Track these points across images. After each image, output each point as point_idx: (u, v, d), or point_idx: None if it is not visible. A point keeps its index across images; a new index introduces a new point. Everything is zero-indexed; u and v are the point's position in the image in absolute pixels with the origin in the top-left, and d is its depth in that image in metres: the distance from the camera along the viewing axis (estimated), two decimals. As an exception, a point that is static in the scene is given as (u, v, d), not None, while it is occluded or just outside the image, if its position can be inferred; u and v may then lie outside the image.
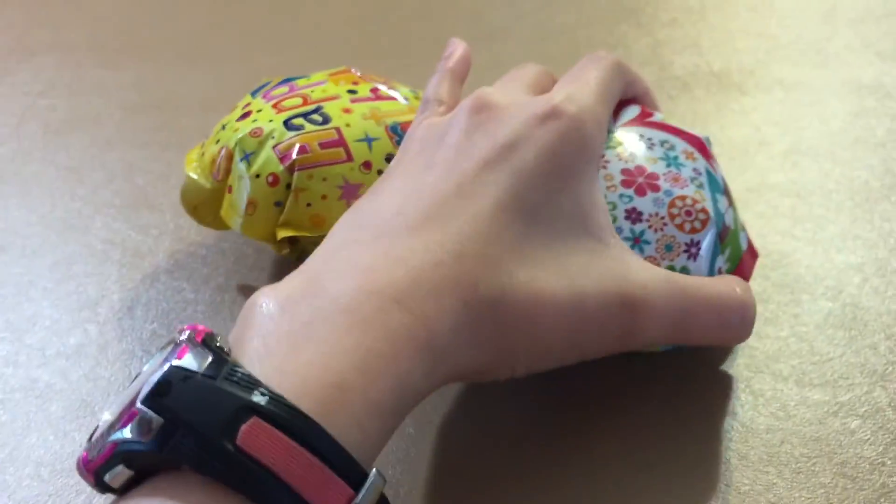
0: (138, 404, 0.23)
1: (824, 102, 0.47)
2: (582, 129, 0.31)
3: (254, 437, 0.22)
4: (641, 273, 0.30)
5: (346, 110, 0.37)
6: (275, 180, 0.35)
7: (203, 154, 0.38)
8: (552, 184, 0.30)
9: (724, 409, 0.32)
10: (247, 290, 0.39)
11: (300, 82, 0.39)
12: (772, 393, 0.32)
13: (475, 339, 0.27)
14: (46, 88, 0.54)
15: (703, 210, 0.31)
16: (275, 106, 0.37)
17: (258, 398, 0.23)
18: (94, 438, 0.24)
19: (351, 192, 0.35)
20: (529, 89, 0.34)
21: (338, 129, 0.36)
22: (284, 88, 0.38)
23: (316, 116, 0.37)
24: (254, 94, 0.39)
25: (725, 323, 0.30)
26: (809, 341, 0.34)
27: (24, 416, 0.33)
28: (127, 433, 0.23)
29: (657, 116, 0.34)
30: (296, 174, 0.35)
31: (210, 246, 0.41)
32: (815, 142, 0.45)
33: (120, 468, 0.23)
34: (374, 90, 0.38)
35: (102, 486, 0.24)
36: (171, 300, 0.38)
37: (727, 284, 0.31)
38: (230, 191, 0.36)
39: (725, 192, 0.33)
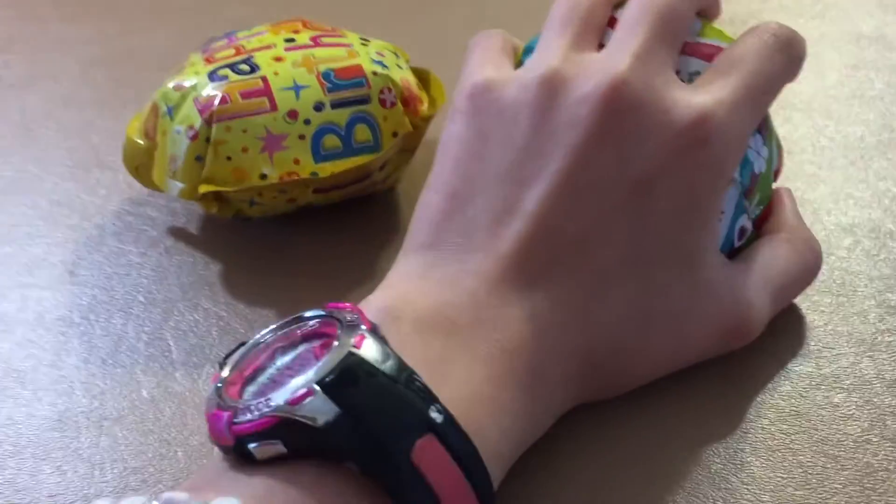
0: (315, 386, 0.22)
1: (821, 54, 0.45)
2: (726, 157, 0.27)
3: (427, 454, 0.22)
4: (741, 295, 0.28)
5: (278, 58, 0.35)
6: (195, 134, 0.33)
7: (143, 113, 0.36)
8: (679, 226, 0.27)
9: (696, 379, 0.29)
10: (196, 254, 0.36)
11: (241, 34, 0.37)
12: (750, 364, 0.30)
13: (581, 392, 0.28)
14: (4, 44, 0.51)
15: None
16: (207, 59, 0.35)
17: (435, 415, 0.22)
18: (229, 396, 0.23)
19: (274, 144, 0.33)
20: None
21: (264, 78, 0.34)
22: (224, 41, 0.36)
23: (244, 66, 0.34)
24: (199, 49, 0.37)
25: (811, 279, 0.31)
26: (795, 307, 0.32)
27: (-49, 387, 0.31)
28: (296, 410, 0.21)
29: (696, 28, 0.30)
30: (214, 126, 0.33)
31: (161, 206, 0.39)
32: (810, 96, 0.42)
33: (277, 443, 0.22)
34: (315, 38, 0.36)
35: (237, 452, 0.22)
36: (115, 264, 0.36)
37: (796, 248, 0.30)
38: (158, 148, 0.35)
39: (759, 128, 0.29)
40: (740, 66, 0.28)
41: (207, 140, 0.33)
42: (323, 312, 0.24)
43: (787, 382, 0.29)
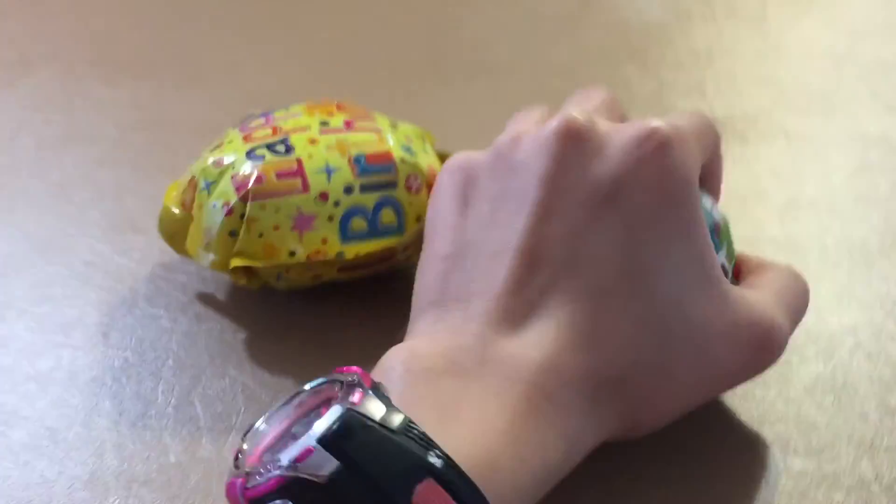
0: (315, 443, 0.23)
1: (828, 155, 0.46)
2: (686, 159, 0.29)
3: (427, 499, 0.23)
4: (762, 307, 0.30)
5: (313, 141, 0.37)
6: (230, 210, 0.35)
7: (180, 184, 0.38)
8: (666, 232, 0.28)
9: (697, 475, 0.30)
10: (224, 321, 0.38)
11: (277, 113, 0.39)
12: (751, 459, 0.31)
13: (603, 420, 0.28)
14: (43, 103, 0.53)
15: None
16: (245, 137, 0.37)
17: (434, 460, 0.23)
18: (247, 465, 0.24)
19: (304, 223, 0.35)
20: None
21: (299, 160, 0.36)
22: (261, 120, 0.38)
23: (280, 147, 0.36)
24: (237, 126, 0.39)
25: (807, 303, 0.33)
26: (797, 405, 0.33)
27: (-15, 443, 0.33)
28: (300, 469, 0.23)
29: None
30: (249, 204, 0.35)
31: (191, 273, 0.40)
32: (816, 195, 0.44)
33: (287, 503, 0.23)
34: (349, 123, 0.38)
35: None
36: (147, 328, 0.38)
37: (784, 275, 0.32)
38: (194, 221, 0.36)
39: (708, 193, 0.32)
40: (676, 116, 0.32)
41: (242, 216, 0.35)
42: (325, 379, 0.26)
43: (788, 480, 0.30)
